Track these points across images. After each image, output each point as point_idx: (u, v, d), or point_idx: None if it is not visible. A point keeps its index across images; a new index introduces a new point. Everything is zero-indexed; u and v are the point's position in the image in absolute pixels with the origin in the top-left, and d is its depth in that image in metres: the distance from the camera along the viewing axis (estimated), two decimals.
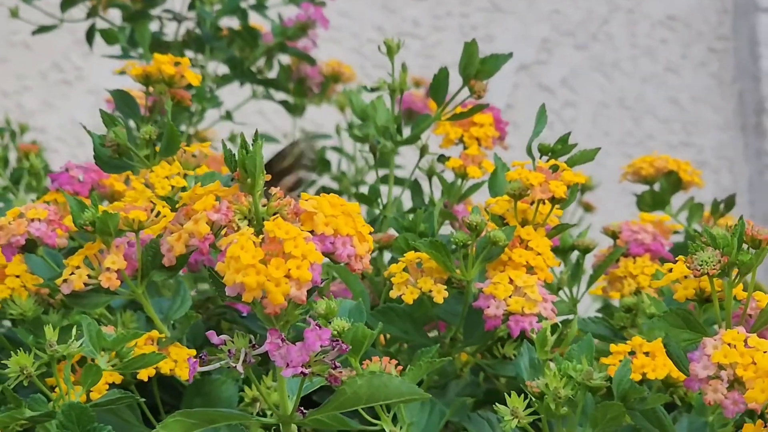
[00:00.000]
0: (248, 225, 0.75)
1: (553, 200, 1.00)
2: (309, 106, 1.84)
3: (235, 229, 0.75)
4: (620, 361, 0.94)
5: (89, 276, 0.93)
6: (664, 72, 3.01)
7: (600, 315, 1.06)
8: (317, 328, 0.75)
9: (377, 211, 1.23)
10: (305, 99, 1.78)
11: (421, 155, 1.26)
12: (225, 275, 0.72)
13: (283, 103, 1.77)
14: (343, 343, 0.76)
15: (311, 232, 0.74)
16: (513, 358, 1.05)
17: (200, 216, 0.75)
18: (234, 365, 0.75)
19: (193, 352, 0.96)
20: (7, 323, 1.13)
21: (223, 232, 0.76)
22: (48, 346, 0.83)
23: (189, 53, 1.64)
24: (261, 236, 0.73)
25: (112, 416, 0.97)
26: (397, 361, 0.92)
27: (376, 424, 0.91)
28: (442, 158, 1.25)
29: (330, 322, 0.87)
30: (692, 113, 3.01)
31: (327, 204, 0.75)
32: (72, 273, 0.93)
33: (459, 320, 1.02)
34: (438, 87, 1.18)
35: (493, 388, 1.12)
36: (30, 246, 0.98)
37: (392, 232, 1.21)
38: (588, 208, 1.81)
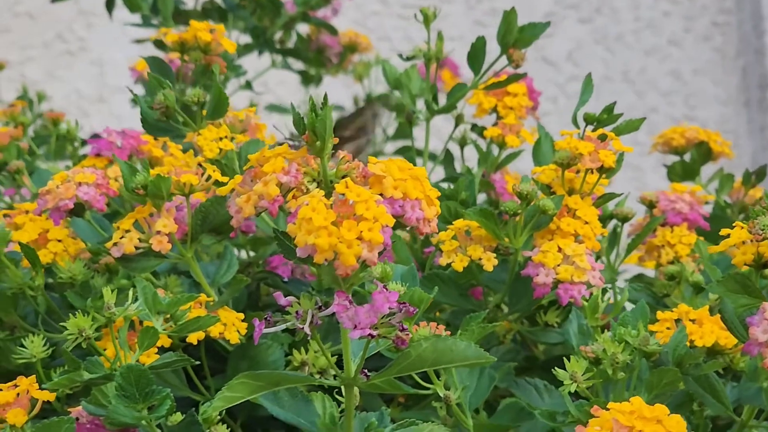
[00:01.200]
0: (317, 187, 0.75)
1: (601, 169, 1.00)
2: (324, 76, 1.83)
3: (305, 191, 0.75)
4: (667, 327, 0.95)
5: (140, 239, 0.92)
6: (667, 45, 3.01)
7: (640, 283, 1.06)
8: (384, 290, 0.75)
9: None
10: (323, 69, 1.77)
11: (457, 124, 1.26)
12: (296, 237, 0.72)
13: (302, 73, 1.77)
14: (410, 305, 0.76)
15: (380, 195, 0.74)
16: (555, 325, 1.05)
17: (270, 178, 0.75)
18: (301, 327, 0.75)
19: (242, 315, 0.96)
20: None
21: (291, 195, 0.76)
22: (106, 308, 0.83)
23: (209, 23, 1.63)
24: (331, 199, 0.73)
25: (157, 379, 0.97)
26: (444, 326, 0.92)
27: (428, 388, 0.91)
28: (476, 127, 1.25)
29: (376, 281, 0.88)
30: (695, 87, 3.01)
31: (395, 168, 0.75)
32: (122, 236, 0.93)
33: (504, 288, 1.02)
34: (475, 55, 1.18)
35: (531, 355, 1.13)
36: (78, 210, 0.98)
37: None
38: None
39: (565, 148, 1.00)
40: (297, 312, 0.75)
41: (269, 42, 1.61)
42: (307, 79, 1.80)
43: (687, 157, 1.30)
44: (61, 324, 0.84)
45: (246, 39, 1.64)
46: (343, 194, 0.72)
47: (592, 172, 1.01)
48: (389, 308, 0.75)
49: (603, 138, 1.01)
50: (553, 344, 1.07)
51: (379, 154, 1.78)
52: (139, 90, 2.56)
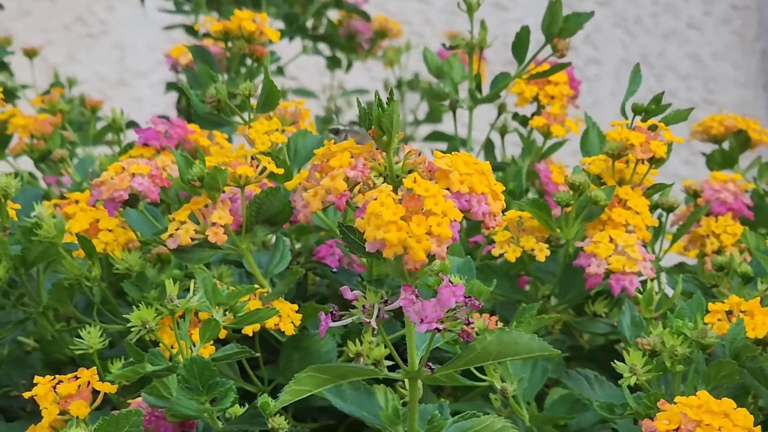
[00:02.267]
0: (384, 182, 0.76)
1: (651, 160, 1.00)
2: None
3: (371, 186, 0.75)
4: (718, 319, 0.95)
5: (195, 231, 0.93)
6: (686, 28, 3.01)
7: (689, 273, 1.06)
8: (450, 284, 0.75)
9: None
10: (353, 55, 1.77)
11: (500, 113, 1.26)
12: (365, 231, 0.72)
13: (331, 59, 1.77)
14: (475, 299, 0.76)
15: (446, 189, 0.75)
16: (603, 315, 1.05)
17: (337, 173, 0.75)
18: (368, 321, 0.76)
19: (296, 306, 0.97)
20: None
21: (356, 189, 0.76)
22: (168, 300, 0.83)
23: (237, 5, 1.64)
24: (399, 193, 0.73)
25: None
26: (497, 318, 0.93)
27: (483, 380, 0.92)
28: (517, 116, 1.26)
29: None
30: (714, 71, 3.01)
31: (461, 162, 0.75)
32: (178, 228, 0.93)
33: (555, 279, 1.02)
34: (520, 45, 1.18)
35: (576, 344, 1.13)
36: (132, 201, 0.98)
37: None
38: None
39: (616, 139, 1.00)
40: (363, 306, 0.76)
41: (302, 28, 1.62)
42: (333, 64, 1.80)
43: (725, 145, 1.30)
44: (125, 315, 0.84)
45: (278, 24, 1.64)
46: (411, 189, 0.73)
47: (642, 163, 1.01)
48: (455, 302, 0.75)
49: (652, 128, 1.01)
50: (602, 335, 1.07)
51: (409, 140, 1.79)
52: (167, 74, 2.57)
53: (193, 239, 0.93)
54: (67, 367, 1.08)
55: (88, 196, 1.05)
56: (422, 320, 0.75)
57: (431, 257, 0.73)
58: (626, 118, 1.07)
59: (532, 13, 2.88)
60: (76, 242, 0.98)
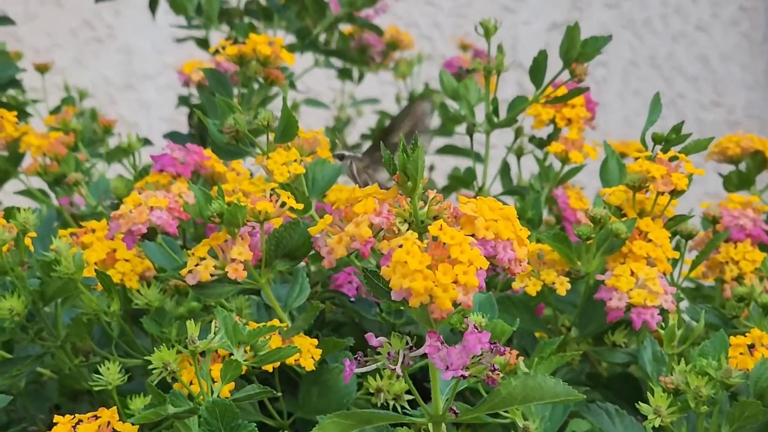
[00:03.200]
0: (408, 228, 0.75)
1: (673, 192, 0.99)
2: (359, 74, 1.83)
3: (396, 232, 0.75)
4: (740, 353, 0.94)
5: (215, 266, 0.92)
6: (694, 30, 3.00)
7: (709, 304, 1.06)
8: (476, 330, 0.75)
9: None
10: (365, 67, 1.77)
11: (516, 137, 1.25)
12: (391, 280, 0.72)
13: (343, 71, 1.77)
14: (501, 345, 0.76)
15: (472, 236, 0.74)
16: (623, 345, 1.05)
17: (362, 219, 0.75)
18: (393, 368, 0.75)
19: (315, 341, 0.96)
20: None
21: (381, 236, 0.76)
22: (190, 341, 0.83)
23: (249, 20, 1.63)
24: (425, 241, 0.73)
25: None
26: (518, 352, 0.92)
27: (506, 417, 0.91)
28: (534, 139, 1.25)
29: (466, 317, 0.88)
30: (722, 72, 3.00)
31: (486, 208, 0.75)
32: (198, 264, 0.93)
33: (576, 311, 1.02)
34: (537, 69, 1.17)
35: (594, 372, 1.13)
36: (150, 234, 0.98)
37: None
38: None
39: (637, 170, 0.99)
40: (389, 353, 0.75)
41: (314, 43, 1.61)
42: (344, 75, 1.80)
43: (742, 166, 1.30)
44: (146, 357, 0.84)
45: (290, 39, 1.63)
46: (437, 237, 0.72)
47: (663, 194, 1.00)
48: (481, 349, 0.75)
49: (673, 159, 1.01)
50: (622, 365, 1.07)
51: None
52: (174, 78, 2.56)
53: (212, 275, 0.92)
54: (83, 396, 1.08)
55: (105, 226, 1.05)
56: (448, 367, 0.74)
57: (457, 305, 0.72)
58: (646, 147, 1.06)
59: (539, 16, 2.89)
60: (94, 276, 0.97)
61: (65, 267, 0.93)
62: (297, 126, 1.00)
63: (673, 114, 2.96)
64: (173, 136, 1.56)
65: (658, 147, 1.06)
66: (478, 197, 0.76)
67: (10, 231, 0.94)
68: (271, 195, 0.95)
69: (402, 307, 1.03)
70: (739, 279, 1.12)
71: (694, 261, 1.13)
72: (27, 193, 1.36)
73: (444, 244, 0.72)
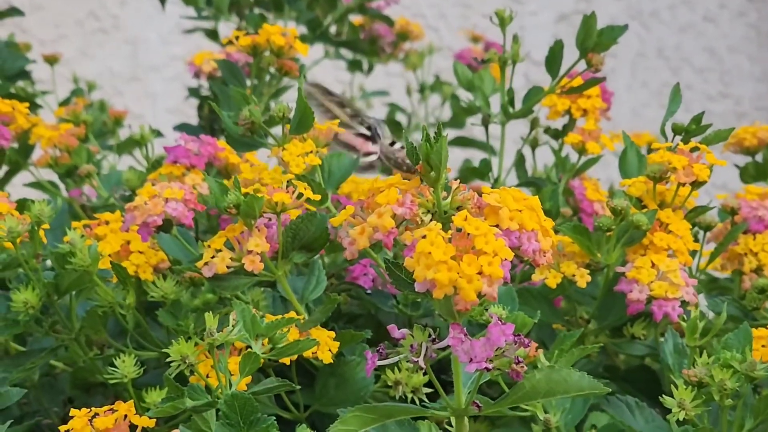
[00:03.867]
0: (432, 219, 0.74)
1: (694, 183, 0.98)
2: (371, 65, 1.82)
3: (419, 223, 0.74)
4: (762, 345, 0.93)
5: (231, 258, 0.91)
6: (702, 21, 2.99)
7: (729, 296, 1.05)
8: (500, 322, 0.74)
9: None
10: (376, 58, 1.76)
11: (532, 128, 1.24)
12: (415, 271, 0.71)
13: (353, 62, 1.75)
14: (525, 337, 0.74)
15: (496, 226, 0.73)
16: (642, 338, 1.04)
17: (385, 210, 0.74)
18: (416, 360, 0.74)
19: (332, 333, 0.95)
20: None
21: (404, 226, 0.75)
22: (208, 334, 0.82)
23: (260, 11, 1.62)
24: (449, 232, 0.72)
25: None
26: (537, 344, 0.91)
27: (526, 410, 0.90)
28: (549, 130, 1.24)
29: (486, 309, 0.87)
30: (730, 64, 2.99)
31: (510, 198, 0.74)
32: (214, 256, 0.92)
33: (596, 303, 1.01)
34: (553, 60, 1.16)
35: (611, 364, 1.12)
36: (165, 226, 0.97)
37: None
38: None
39: (657, 161, 0.98)
40: (412, 346, 0.74)
41: (325, 34, 1.60)
42: (353, 67, 1.79)
43: (758, 157, 1.29)
44: (164, 350, 0.83)
45: (301, 30, 1.62)
46: (461, 227, 0.71)
47: (683, 185, 0.99)
48: (505, 341, 0.74)
49: (694, 150, 1.00)
50: (640, 357, 1.06)
51: None
52: (180, 69, 2.54)
53: (228, 267, 0.91)
54: (96, 389, 1.07)
55: (119, 217, 1.04)
56: (471, 359, 0.73)
57: (481, 296, 0.71)
58: (666, 138, 1.05)
59: (546, 7, 2.87)
60: (109, 268, 0.96)
61: (80, 259, 0.92)
62: (313, 117, 0.99)
63: (680, 105, 2.94)
64: (183, 128, 1.55)
65: (678, 137, 1.04)
66: (501, 188, 0.75)
67: (23, 223, 0.92)
68: (287, 186, 0.94)
69: (420, 299, 1.03)
70: (758, 270, 1.11)
71: (712, 253, 1.12)
72: (37, 185, 1.35)
73: (468, 234, 0.71)
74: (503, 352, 0.75)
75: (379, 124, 1.07)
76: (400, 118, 1.83)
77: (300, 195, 0.93)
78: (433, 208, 0.74)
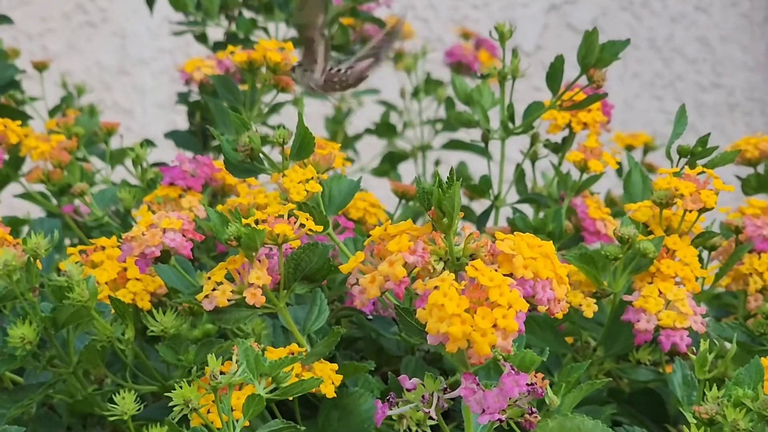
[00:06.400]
0: (444, 266, 0.72)
1: (702, 209, 0.97)
2: None
3: (431, 271, 0.72)
4: None
5: (232, 291, 0.90)
6: (694, 11, 2.97)
7: (734, 314, 1.03)
8: (513, 372, 0.72)
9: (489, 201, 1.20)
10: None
11: (532, 143, 1.22)
12: (427, 323, 0.69)
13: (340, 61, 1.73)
14: (539, 387, 0.73)
15: (509, 275, 0.71)
16: (647, 363, 1.02)
17: (396, 258, 0.72)
18: (427, 411, 0.73)
19: (335, 366, 0.94)
20: None
21: (415, 272, 0.73)
22: (211, 377, 0.80)
23: (250, 13, 1.60)
24: (462, 282, 0.70)
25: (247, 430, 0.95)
26: (542, 375, 0.90)
27: None
28: (549, 144, 1.22)
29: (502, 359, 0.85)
30: (722, 54, 2.97)
31: (525, 245, 0.72)
32: (214, 288, 0.90)
33: (602, 330, 0.99)
34: (554, 75, 1.14)
35: (616, 388, 1.10)
36: (164, 257, 0.95)
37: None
38: (650, 168, 1.76)
39: (664, 187, 0.96)
40: (423, 396, 0.73)
41: None
42: None
43: (760, 168, 1.27)
44: (166, 394, 0.81)
45: (291, 32, 1.60)
46: (475, 278, 0.69)
47: (690, 211, 0.98)
48: (518, 392, 0.72)
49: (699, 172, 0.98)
50: (645, 382, 1.05)
51: (426, 148, 1.75)
52: (168, 62, 2.52)
53: (229, 300, 0.90)
54: (94, 419, 1.06)
55: (114, 242, 1.02)
56: (484, 410, 0.72)
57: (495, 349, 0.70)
58: (671, 160, 1.03)
59: None
60: (107, 301, 0.94)
61: (78, 294, 0.90)
62: (313, 142, 0.97)
63: (672, 96, 2.94)
64: (174, 135, 1.53)
65: (684, 160, 1.03)
66: (515, 233, 0.73)
67: (20, 256, 0.90)
68: (289, 217, 0.92)
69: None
70: (763, 290, 1.09)
71: (717, 273, 1.10)
72: (27, 196, 1.33)
73: (482, 285, 0.69)
74: (516, 401, 0.73)
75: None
76: (393, 115, 1.80)
77: (302, 225, 0.91)
78: (446, 256, 0.72)
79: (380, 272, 0.72)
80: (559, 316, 0.92)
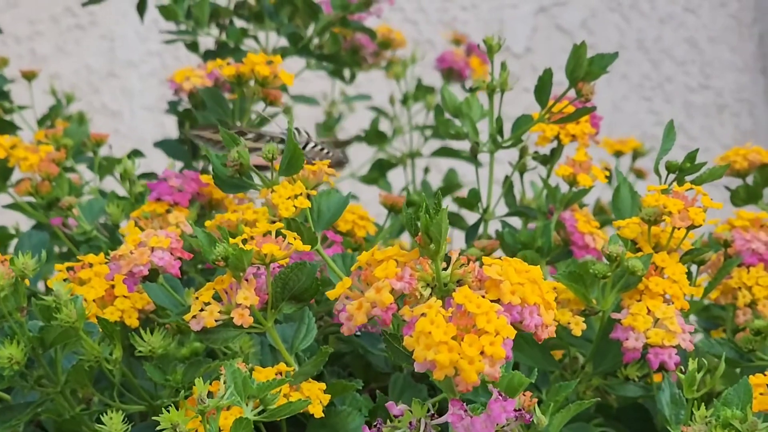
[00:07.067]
0: (431, 292, 0.72)
1: (690, 226, 0.97)
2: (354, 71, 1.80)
3: (418, 297, 0.72)
4: (761, 393, 0.92)
5: (220, 312, 0.89)
6: (682, 12, 2.97)
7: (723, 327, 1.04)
8: (501, 398, 0.72)
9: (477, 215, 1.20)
10: (357, 67, 1.73)
11: (521, 156, 1.22)
12: (414, 351, 0.69)
13: (335, 72, 1.73)
14: (526, 412, 0.73)
15: (497, 301, 0.71)
16: (636, 379, 1.03)
17: (383, 284, 0.72)
18: None
19: (323, 385, 0.93)
20: None
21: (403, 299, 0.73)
22: (198, 401, 0.80)
23: (241, 22, 1.60)
24: (450, 309, 0.70)
25: None
26: (531, 393, 0.90)
27: None
28: (537, 156, 1.22)
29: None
30: (711, 55, 2.97)
31: (512, 271, 0.72)
32: (202, 309, 0.90)
33: (591, 347, 0.99)
34: (542, 89, 1.14)
35: (604, 403, 1.10)
36: (152, 275, 0.94)
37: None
38: (640, 174, 1.76)
39: (652, 204, 0.96)
40: (410, 422, 0.73)
41: (306, 48, 1.57)
42: (335, 74, 1.76)
43: (749, 179, 1.27)
44: (153, 418, 0.81)
45: (282, 41, 1.60)
46: (462, 305, 0.69)
47: (678, 228, 0.98)
48: (506, 418, 0.72)
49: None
50: (633, 398, 1.05)
51: (416, 155, 1.75)
52: (157, 65, 2.51)
53: (217, 321, 0.89)
54: None
55: (102, 259, 1.01)
56: None
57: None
58: (660, 176, 1.03)
59: (527, 0, 2.85)
60: (94, 321, 0.94)
61: (66, 315, 0.89)
62: (303, 159, 0.97)
63: (660, 97, 2.94)
64: (163, 144, 1.53)
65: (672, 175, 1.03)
66: (503, 258, 0.73)
67: (7, 274, 0.90)
68: (277, 235, 0.92)
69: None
70: (752, 305, 1.10)
71: (706, 288, 1.11)
72: (15, 206, 1.33)
73: (469, 312, 0.69)
74: (503, 427, 0.73)
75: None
76: (383, 121, 1.80)
77: (289, 245, 0.91)
78: (433, 282, 0.72)
79: (367, 299, 0.72)
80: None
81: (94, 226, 1.20)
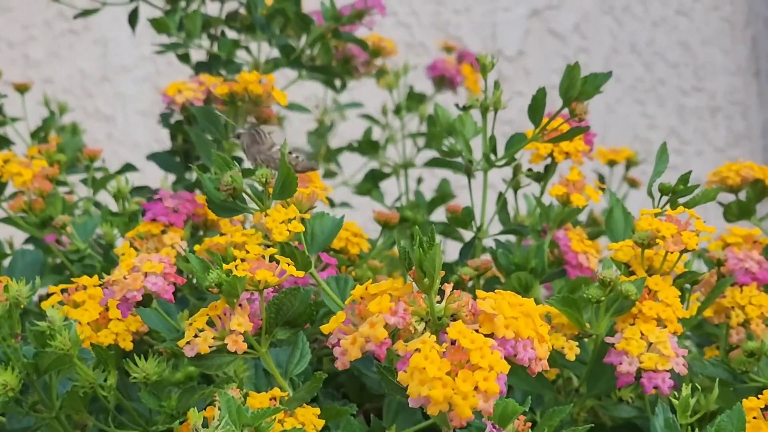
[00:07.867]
0: (425, 327, 0.72)
1: (683, 250, 0.97)
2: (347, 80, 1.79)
3: (412, 332, 0.72)
4: (753, 417, 0.92)
5: (214, 338, 0.90)
6: (675, 15, 2.98)
7: (717, 356, 1.04)
8: (494, 429, 0.72)
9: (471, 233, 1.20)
10: (349, 76, 1.73)
11: (515, 174, 1.22)
12: (409, 387, 0.69)
13: (326, 81, 1.73)
14: None
15: (491, 335, 0.71)
16: (630, 401, 1.03)
17: (377, 319, 0.72)
18: None
19: (317, 410, 0.94)
20: None
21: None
22: (193, 430, 0.80)
23: (232, 33, 1.60)
24: (444, 344, 0.70)
25: None
26: (525, 418, 0.90)
27: None
28: (531, 173, 1.22)
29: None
30: (704, 58, 2.98)
31: (506, 305, 0.72)
32: (196, 335, 0.90)
33: (584, 370, 1.00)
34: (536, 108, 1.14)
35: (598, 422, 1.10)
36: (146, 300, 0.94)
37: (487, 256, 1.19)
38: (633, 183, 1.76)
39: (645, 228, 0.97)
40: None
41: (298, 60, 1.57)
42: (327, 83, 1.76)
43: (741, 195, 1.28)
44: None
45: (274, 52, 1.59)
46: (456, 340, 0.69)
47: (671, 252, 0.98)
48: None
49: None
50: (626, 419, 1.05)
51: (409, 166, 1.75)
52: (150, 69, 2.50)
53: (211, 347, 0.90)
54: None
55: (96, 281, 1.02)
56: None
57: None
58: (653, 198, 1.04)
59: (519, 2, 2.85)
60: (88, 347, 0.94)
61: (60, 342, 0.89)
62: (296, 182, 0.97)
63: (654, 100, 2.94)
64: (156, 157, 1.53)
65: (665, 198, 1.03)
66: (496, 290, 0.73)
67: (1, 300, 0.90)
68: (270, 260, 0.92)
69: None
70: (745, 324, 1.10)
71: (699, 307, 1.11)
72: (9, 221, 1.33)
73: (463, 347, 0.70)
74: None
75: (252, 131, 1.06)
76: (376, 130, 1.80)
77: (283, 272, 0.91)
78: (427, 316, 0.72)
79: (361, 334, 0.72)
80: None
81: (88, 245, 1.20)
